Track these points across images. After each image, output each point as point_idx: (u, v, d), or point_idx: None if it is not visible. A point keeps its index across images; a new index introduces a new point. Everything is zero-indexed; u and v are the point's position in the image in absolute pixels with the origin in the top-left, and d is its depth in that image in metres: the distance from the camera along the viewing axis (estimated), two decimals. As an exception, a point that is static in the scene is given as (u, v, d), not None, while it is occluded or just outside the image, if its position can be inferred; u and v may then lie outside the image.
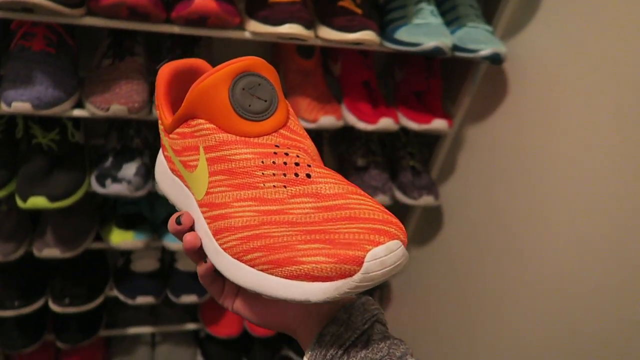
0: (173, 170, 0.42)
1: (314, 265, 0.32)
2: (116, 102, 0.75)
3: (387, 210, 0.35)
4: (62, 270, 1.00)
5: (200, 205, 0.38)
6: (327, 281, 0.32)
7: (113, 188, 0.81)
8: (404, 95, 1.00)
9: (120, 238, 0.92)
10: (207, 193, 0.37)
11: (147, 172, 0.87)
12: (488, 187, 0.96)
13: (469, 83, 0.96)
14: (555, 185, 0.80)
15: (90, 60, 0.87)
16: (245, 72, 0.36)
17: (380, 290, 1.34)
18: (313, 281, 0.32)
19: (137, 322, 1.18)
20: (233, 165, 0.36)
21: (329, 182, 0.35)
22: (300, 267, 0.32)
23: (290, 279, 0.33)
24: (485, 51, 0.81)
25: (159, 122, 0.42)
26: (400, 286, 1.29)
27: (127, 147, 0.87)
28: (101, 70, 0.82)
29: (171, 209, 0.99)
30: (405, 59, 1.00)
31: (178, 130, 0.39)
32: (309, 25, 0.77)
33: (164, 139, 0.41)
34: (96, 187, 0.83)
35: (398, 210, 1.12)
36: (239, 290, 0.41)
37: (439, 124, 0.92)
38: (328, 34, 0.79)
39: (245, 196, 0.36)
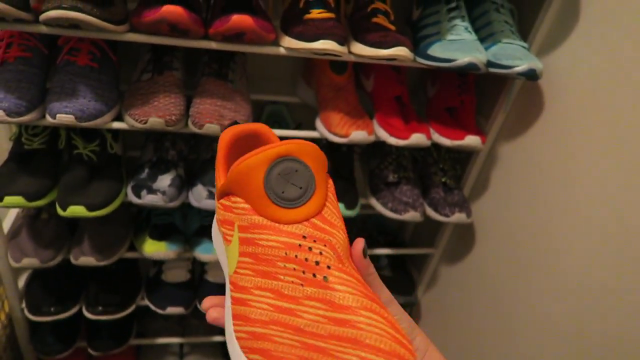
0: (224, 233, 0.41)
1: None
2: (154, 115, 0.78)
3: (397, 333, 0.33)
4: (97, 278, 1.02)
5: (230, 282, 0.37)
6: None
7: (148, 199, 0.83)
8: (436, 110, 0.99)
9: (153, 248, 0.94)
10: (235, 272, 0.37)
11: (181, 184, 0.89)
12: (522, 206, 0.94)
13: (503, 99, 0.95)
14: (592, 205, 0.78)
15: (130, 74, 0.90)
16: (285, 156, 0.36)
17: (410, 308, 1.32)
18: None
19: (166, 332, 1.19)
20: (259, 250, 0.35)
21: (345, 292, 0.34)
22: None
23: None
24: (521, 67, 0.80)
25: (216, 186, 0.43)
26: (431, 304, 1.27)
27: (162, 159, 0.90)
28: (141, 84, 0.84)
29: (204, 220, 1.01)
30: (438, 74, 1.00)
31: (222, 201, 0.38)
32: (342, 42, 0.77)
33: (216, 204, 0.41)
34: (132, 197, 0.85)
35: (429, 227, 1.11)
36: None
37: (472, 140, 0.91)
38: (361, 49, 0.80)
39: (265, 285, 0.35)
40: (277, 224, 0.35)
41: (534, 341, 0.89)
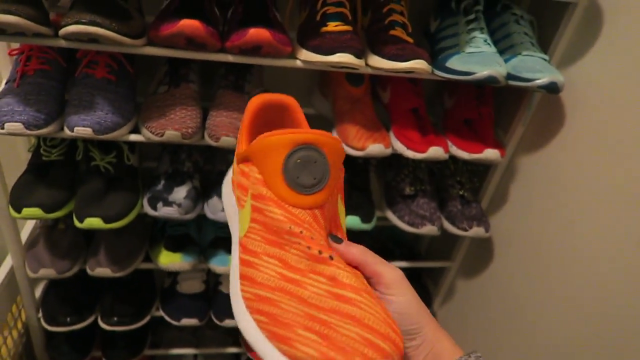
0: (237, 198, 0.43)
1: (304, 355, 0.32)
2: (170, 127, 0.78)
3: (392, 322, 0.35)
4: (112, 288, 1.02)
5: (240, 244, 0.39)
6: None
7: (164, 211, 0.83)
8: (454, 123, 0.98)
9: (169, 259, 0.94)
10: (246, 235, 0.38)
11: (197, 196, 0.88)
12: (541, 219, 0.92)
13: (522, 111, 0.93)
14: (614, 217, 0.76)
15: (147, 87, 0.90)
16: (309, 144, 0.37)
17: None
18: None
19: (180, 342, 1.19)
20: (268, 221, 0.37)
21: (348, 272, 0.36)
22: (293, 351, 0.33)
23: (282, 353, 0.33)
24: (542, 80, 0.78)
25: (236, 148, 0.43)
26: (448, 317, 1.25)
27: (178, 171, 0.90)
28: (157, 96, 0.85)
29: (219, 232, 1.00)
30: (456, 86, 0.98)
31: (242, 166, 0.40)
32: (359, 54, 0.77)
33: (234, 166, 0.42)
34: (148, 209, 0.85)
35: (446, 239, 1.09)
36: None
37: (490, 153, 0.90)
38: (379, 62, 0.79)
39: (273, 253, 0.37)
40: (283, 203, 0.38)
41: (553, 356, 0.87)
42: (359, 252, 0.40)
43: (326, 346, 0.32)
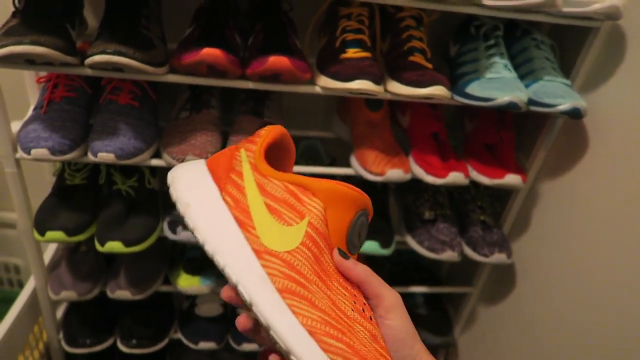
0: (231, 197, 0.41)
1: None
2: (191, 152, 0.79)
3: None
4: (131, 310, 1.03)
5: (270, 254, 0.38)
6: None
7: (184, 235, 0.84)
8: (474, 147, 0.97)
9: (187, 283, 0.94)
10: (290, 252, 0.38)
11: (216, 220, 0.89)
12: (565, 246, 0.90)
13: (544, 136, 0.92)
14: (638, 246, 0.74)
15: (169, 111, 0.92)
16: (366, 211, 0.41)
17: (446, 350, 1.27)
18: None
19: (198, 365, 1.19)
20: (321, 259, 0.39)
21: (382, 336, 0.38)
22: None
23: None
24: (564, 106, 0.77)
25: (246, 154, 0.43)
26: (469, 344, 1.22)
27: (198, 195, 0.90)
28: (179, 122, 0.86)
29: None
30: (476, 110, 0.97)
31: (289, 185, 0.40)
32: (378, 81, 0.77)
33: (248, 170, 0.42)
34: (168, 233, 0.86)
35: (467, 264, 1.07)
36: None
37: (512, 179, 0.89)
38: (398, 88, 0.79)
39: (322, 288, 0.37)
40: (337, 266, 0.40)
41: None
42: (364, 271, 0.40)
43: None
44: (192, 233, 0.40)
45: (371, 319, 0.38)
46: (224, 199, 0.41)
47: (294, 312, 0.35)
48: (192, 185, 0.43)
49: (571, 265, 0.88)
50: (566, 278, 0.89)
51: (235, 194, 0.41)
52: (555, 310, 0.92)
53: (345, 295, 0.38)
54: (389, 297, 0.40)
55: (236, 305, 0.41)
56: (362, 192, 0.41)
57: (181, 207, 0.41)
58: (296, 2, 0.86)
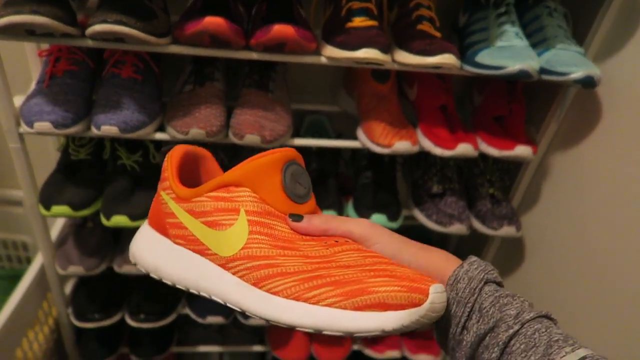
0: (178, 237, 0.43)
1: (387, 293, 0.33)
2: (195, 126, 0.78)
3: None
4: (139, 286, 1.03)
5: (231, 260, 0.39)
6: (400, 309, 0.33)
7: (189, 209, 0.83)
8: (483, 119, 0.95)
9: (194, 258, 0.94)
10: (244, 247, 0.39)
11: (222, 195, 0.88)
12: (575, 219, 0.89)
13: (555, 107, 0.90)
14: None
15: (173, 86, 0.90)
16: (292, 161, 0.42)
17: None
18: (385, 310, 0.33)
19: (206, 340, 1.19)
20: (276, 233, 0.40)
21: (371, 252, 0.39)
22: (373, 296, 0.33)
23: (361, 310, 0.34)
24: (577, 74, 0.75)
25: (166, 193, 0.44)
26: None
27: (203, 170, 0.90)
28: (182, 95, 0.85)
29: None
30: (485, 82, 0.96)
31: (211, 194, 0.41)
32: (386, 50, 0.75)
33: (175, 206, 0.43)
34: (174, 208, 0.85)
35: (475, 239, 1.06)
36: None
37: (522, 150, 0.87)
38: (406, 58, 0.77)
39: (290, 253, 0.38)
40: (285, 217, 0.41)
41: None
42: (320, 222, 0.41)
43: (399, 281, 0.34)
44: (175, 287, 0.43)
45: (347, 242, 0.40)
46: (175, 242, 0.43)
47: (274, 294, 0.37)
48: (149, 252, 0.45)
49: (581, 240, 0.87)
50: (576, 253, 0.88)
51: (179, 233, 0.43)
52: (563, 285, 0.91)
53: (313, 244, 0.39)
54: (356, 228, 0.41)
55: None
56: (277, 149, 0.41)
57: (154, 275, 0.44)
58: (300, -29, 0.84)
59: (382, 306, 0.33)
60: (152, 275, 0.44)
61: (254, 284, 0.38)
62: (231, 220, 0.40)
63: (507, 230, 0.94)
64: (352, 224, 0.41)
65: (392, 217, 0.93)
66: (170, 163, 0.45)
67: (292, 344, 1.17)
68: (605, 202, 0.82)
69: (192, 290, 0.41)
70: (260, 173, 0.40)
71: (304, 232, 0.41)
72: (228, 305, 0.39)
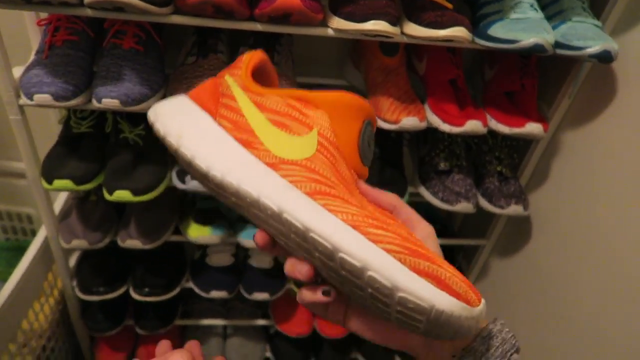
0: (226, 119, 0.39)
1: (451, 275, 0.31)
2: (198, 99, 0.76)
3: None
4: (143, 259, 1.03)
5: (287, 163, 0.35)
6: (455, 297, 0.30)
7: (192, 184, 0.82)
8: (494, 95, 0.92)
9: (198, 233, 0.93)
10: (308, 159, 0.36)
11: (226, 170, 0.87)
12: (585, 199, 0.87)
13: (569, 83, 0.87)
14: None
15: (175, 58, 0.88)
16: (370, 120, 0.39)
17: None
18: (442, 289, 0.30)
19: (210, 314, 1.20)
20: (340, 169, 0.37)
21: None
22: (438, 269, 0.30)
23: (420, 274, 0.30)
24: (594, 48, 0.72)
25: (232, 77, 0.41)
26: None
27: (207, 144, 0.88)
28: (185, 67, 0.83)
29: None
30: (498, 56, 0.93)
31: (287, 100, 0.38)
32: (395, 22, 0.72)
33: (239, 91, 0.40)
34: (176, 182, 0.84)
35: (481, 216, 1.05)
36: (349, 305, 0.38)
37: (533, 127, 0.85)
38: (416, 30, 0.74)
39: (351, 192, 0.36)
40: (350, 166, 0.38)
41: (592, 339, 0.83)
42: (395, 196, 0.40)
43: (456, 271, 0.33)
44: (191, 165, 0.37)
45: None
46: (219, 123, 0.39)
47: (330, 211, 0.32)
48: (179, 116, 0.40)
49: (590, 221, 0.86)
50: (584, 234, 0.87)
51: (231, 116, 0.39)
52: (570, 266, 0.90)
53: (367, 204, 0.37)
54: (423, 227, 0.38)
55: (270, 253, 0.40)
56: (364, 99, 0.38)
57: (173, 140, 0.38)
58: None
59: (442, 283, 0.30)
60: (169, 141, 0.38)
61: (309, 194, 0.34)
62: (301, 131, 0.37)
63: (515, 209, 0.93)
64: (421, 221, 0.39)
65: (399, 194, 0.92)
66: (250, 58, 0.42)
67: (296, 318, 1.17)
68: (615, 181, 0.80)
69: (212, 174, 0.36)
70: (345, 111, 0.38)
71: (374, 198, 0.38)
72: (260, 201, 0.34)
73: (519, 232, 1.06)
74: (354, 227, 0.31)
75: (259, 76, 0.43)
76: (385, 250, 0.30)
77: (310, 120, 0.37)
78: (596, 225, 0.84)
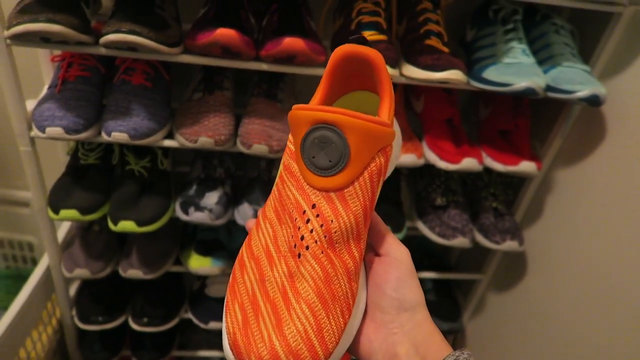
0: None
1: (227, 326, 0.38)
2: (204, 134, 0.78)
3: (316, 340, 0.35)
4: (142, 289, 1.04)
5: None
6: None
7: (196, 216, 0.84)
8: (488, 133, 0.96)
9: (199, 264, 0.95)
10: (266, 200, 0.41)
11: (228, 202, 0.89)
12: (578, 236, 0.89)
13: (560, 123, 0.91)
14: (660, 241, 0.73)
15: (182, 92, 0.91)
16: (329, 124, 0.35)
17: (454, 336, 1.28)
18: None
19: (207, 345, 1.20)
20: (282, 192, 0.39)
21: (306, 277, 0.36)
22: (225, 318, 0.38)
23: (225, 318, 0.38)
24: (583, 93, 0.76)
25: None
26: (477, 331, 1.22)
27: (210, 177, 0.91)
28: (191, 103, 0.86)
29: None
30: (492, 96, 0.96)
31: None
32: (394, 64, 0.76)
33: None
34: (180, 214, 0.86)
35: (477, 252, 1.07)
36: None
37: (526, 166, 0.88)
38: (413, 72, 0.78)
39: (272, 223, 0.39)
40: (302, 180, 0.37)
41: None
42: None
43: (240, 329, 0.35)
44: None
45: (299, 256, 0.37)
46: None
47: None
48: None
49: (584, 257, 0.88)
50: (579, 270, 0.89)
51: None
52: (565, 302, 0.91)
53: (290, 229, 0.38)
54: (395, 252, 0.41)
55: None
56: (325, 107, 0.36)
57: None
58: (311, -17, 0.85)
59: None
60: None
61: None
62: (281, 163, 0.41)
63: (510, 245, 0.95)
64: (395, 246, 0.41)
65: (396, 228, 0.94)
66: (327, 66, 0.41)
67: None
68: (609, 219, 0.83)
69: None
70: (295, 126, 0.38)
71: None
72: None
73: (514, 267, 1.07)
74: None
75: (360, 67, 0.41)
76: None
77: (286, 145, 0.41)
78: (590, 262, 0.86)
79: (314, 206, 0.36)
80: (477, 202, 1.02)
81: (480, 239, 0.97)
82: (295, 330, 0.34)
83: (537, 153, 0.95)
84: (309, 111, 0.36)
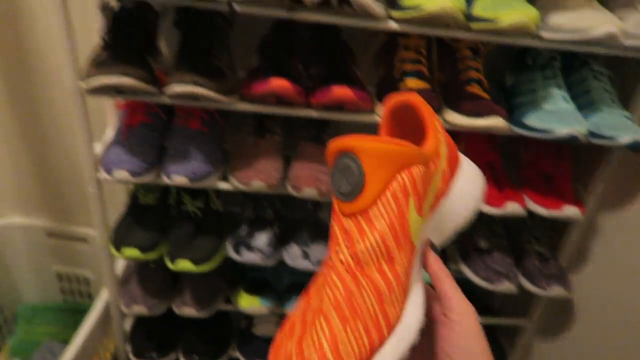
0: None
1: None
2: (257, 178, 0.83)
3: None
4: (193, 326, 1.07)
5: None
6: None
7: (247, 256, 0.88)
8: (530, 177, 0.97)
9: (248, 303, 0.98)
10: None
11: (277, 242, 0.93)
12: (627, 282, 0.88)
13: (604, 168, 0.91)
14: None
15: (234, 136, 0.97)
16: (345, 152, 0.37)
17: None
18: None
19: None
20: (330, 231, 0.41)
21: (324, 289, 0.38)
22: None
23: None
24: (625, 139, 0.77)
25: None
26: (522, 379, 1.19)
27: (260, 218, 0.95)
28: (244, 146, 0.91)
29: (295, 277, 1.03)
30: (533, 139, 0.98)
31: None
32: (437, 111, 0.80)
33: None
34: (232, 254, 0.90)
35: (520, 298, 1.05)
36: None
37: (570, 211, 0.88)
38: (456, 118, 0.81)
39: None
40: (337, 211, 0.39)
41: None
42: (443, 269, 0.42)
43: (273, 344, 0.39)
44: None
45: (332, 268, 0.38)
46: None
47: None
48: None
49: (634, 302, 0.86)
50: (631, 319, 0.86)
51: None
52: (617, 350, 0.89)
53: (338, 247, 0.39)
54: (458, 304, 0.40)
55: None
56: (345, 136, 0.37)
57: None
58: (353, 32, 0.90)
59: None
60: None
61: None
62: None
63: (557, 291, 0.94)
64: (458, 297, 0.40)
65: (440, 270, 0.95)
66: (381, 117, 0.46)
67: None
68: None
69: None
70: (328, 159, 0.40)
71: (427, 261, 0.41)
72: None
73: (562, 314, 1.05)
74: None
75: (408, 113, 0.45)
76: None
77: None
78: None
79: (345, 232, 0.38)
80: (520, 245, 1.02)
81: (526, 284, 0.96)
82: (310, 341, 0.36)
83: (580, 197, 0.95)
84: (332, 143, 0.38)
